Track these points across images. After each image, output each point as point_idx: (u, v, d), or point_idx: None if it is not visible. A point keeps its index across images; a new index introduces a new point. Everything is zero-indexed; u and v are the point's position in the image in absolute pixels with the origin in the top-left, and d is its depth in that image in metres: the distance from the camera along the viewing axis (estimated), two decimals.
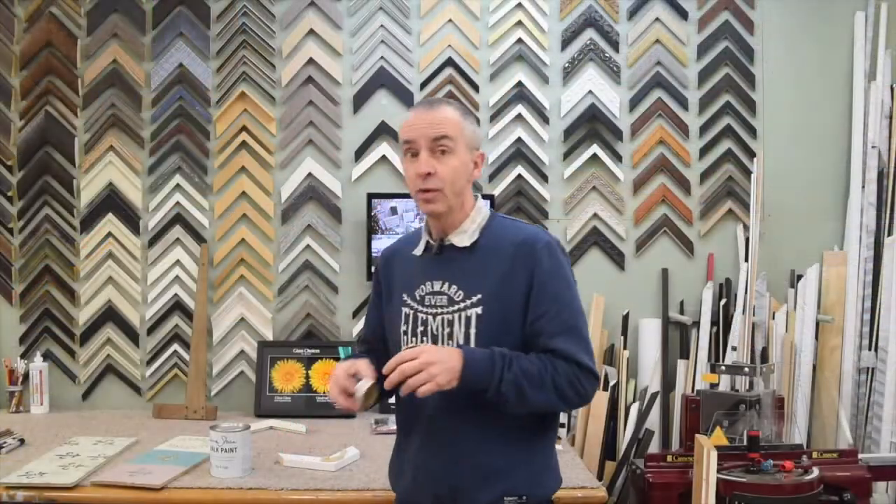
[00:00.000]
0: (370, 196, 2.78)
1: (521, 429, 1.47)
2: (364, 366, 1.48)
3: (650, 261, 2.91)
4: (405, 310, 1.53)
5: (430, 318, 1.49)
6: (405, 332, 1.52)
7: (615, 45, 2.90)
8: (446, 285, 1.48)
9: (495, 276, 1.46)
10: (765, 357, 2.76)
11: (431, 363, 1.32)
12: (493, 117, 2.88)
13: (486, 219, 1.54)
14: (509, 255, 1.47)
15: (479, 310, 1.45)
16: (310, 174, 2.85)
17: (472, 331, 1.44)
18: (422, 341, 1.49)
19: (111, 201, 2.85)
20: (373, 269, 2.29)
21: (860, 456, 2.26)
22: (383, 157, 2.86)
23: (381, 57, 2.86)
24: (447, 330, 1.47)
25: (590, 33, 2.89)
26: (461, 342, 1.45)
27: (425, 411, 1.47)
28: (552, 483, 1.53)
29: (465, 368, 1.35)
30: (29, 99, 2.83)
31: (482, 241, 1.50)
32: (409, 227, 2.77)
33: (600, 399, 2.67)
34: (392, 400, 2.40)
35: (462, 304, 1.46)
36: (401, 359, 1.34)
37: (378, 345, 1.64)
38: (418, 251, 1.56)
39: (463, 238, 1.50)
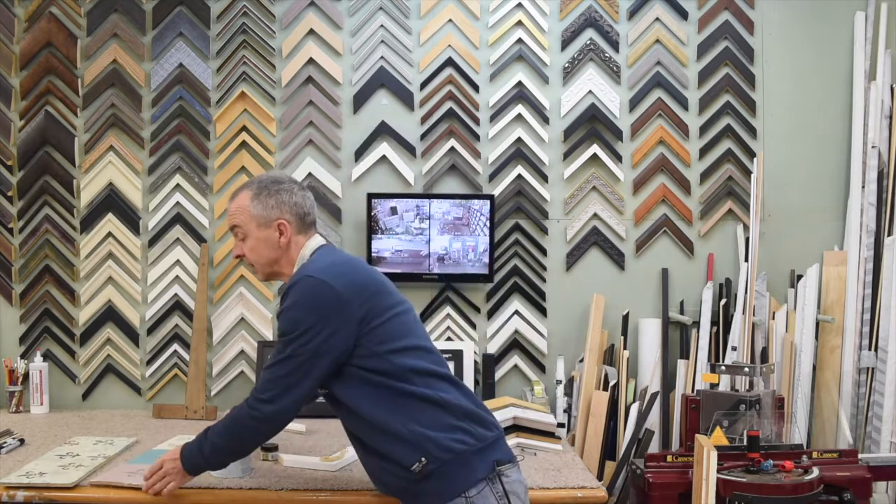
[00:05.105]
0: (370, 196, 2.79)
1: (371, 427, 1.63)
2: None
3: (650, 261, 2.91)
4: None
5: None
6: None
7: (615, 45, 2.90)
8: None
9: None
10: (765, 357, 2.76)
11: (166, 474, 1.71)
12: (493, 117, 2.88)
13: (304, 262, 1.71)
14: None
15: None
16: (310, 174, 2.85)
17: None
18: None
19: (111, 201, 2.85)
20: None
21: (860, 456, 2.25)
22: (383, 157, 2.86)
23: (381, 57, 2.87)
24: None
25: (590, 33, 2.89)
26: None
27: None
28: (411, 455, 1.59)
29: (183, 464, 1.69)
30: (29, 99, 2.83)
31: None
32: (410, 227, 2.77)
33: (600, 399, 2.67)
34: None
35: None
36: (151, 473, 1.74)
37: None
38: None
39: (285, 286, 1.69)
